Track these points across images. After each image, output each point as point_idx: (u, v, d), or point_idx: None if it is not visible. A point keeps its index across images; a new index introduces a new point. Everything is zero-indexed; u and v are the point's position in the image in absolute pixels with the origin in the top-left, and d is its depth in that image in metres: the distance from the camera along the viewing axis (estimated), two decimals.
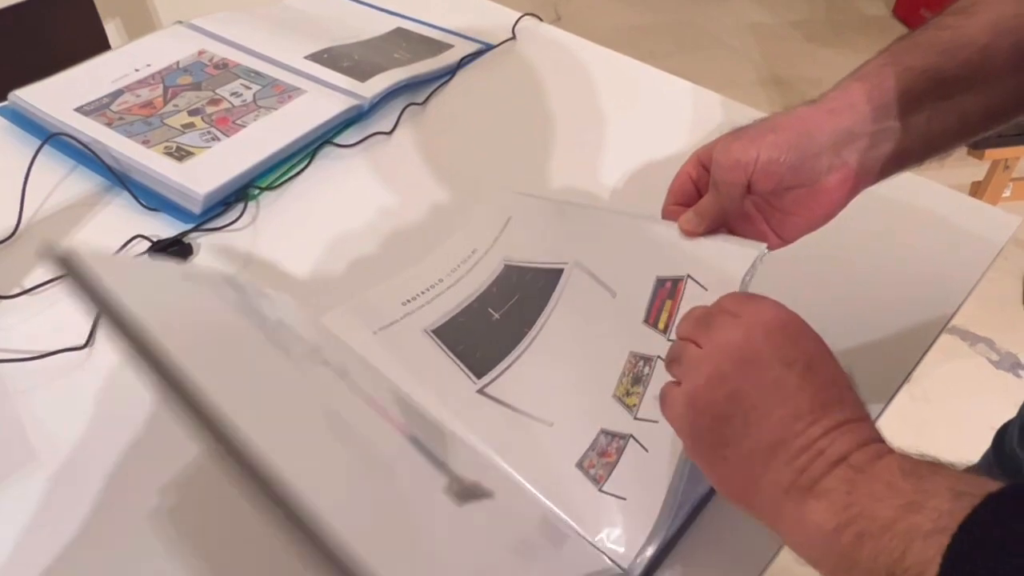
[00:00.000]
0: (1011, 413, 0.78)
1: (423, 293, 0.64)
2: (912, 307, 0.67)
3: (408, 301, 0.63)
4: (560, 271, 0.61)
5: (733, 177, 0.49)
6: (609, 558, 0.49)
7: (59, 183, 0.75)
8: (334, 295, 0.64)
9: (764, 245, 0.50)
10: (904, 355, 0.63)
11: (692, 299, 0.51)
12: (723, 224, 0.52)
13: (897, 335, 0.64)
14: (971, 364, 1.67)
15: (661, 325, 0.52)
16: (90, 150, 0.74)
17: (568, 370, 0.57)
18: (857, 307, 0.65)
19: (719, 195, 0.50)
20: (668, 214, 0.54)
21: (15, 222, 0.70)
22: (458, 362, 0.59)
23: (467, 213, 0.71)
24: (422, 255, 0.67)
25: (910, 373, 0.62)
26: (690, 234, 0.52)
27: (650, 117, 0.87)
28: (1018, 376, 1.65)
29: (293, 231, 0.72)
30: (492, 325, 0.61)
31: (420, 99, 0.87)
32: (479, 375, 0.58)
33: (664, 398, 0.44)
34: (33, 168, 0.73)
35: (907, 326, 0.65)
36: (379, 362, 0.58)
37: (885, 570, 0.33)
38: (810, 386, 0.38)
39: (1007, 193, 1.80)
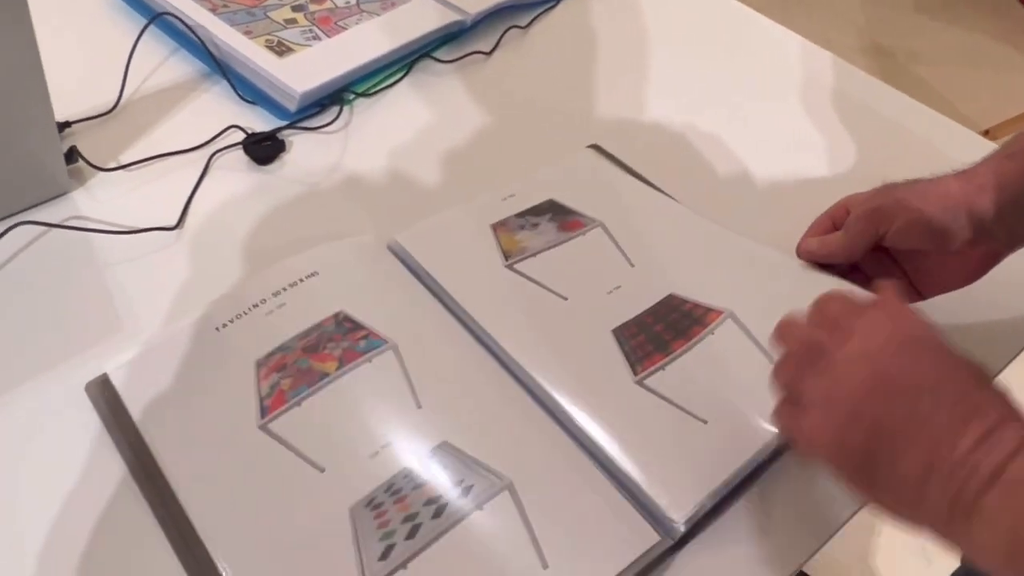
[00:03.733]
0: None
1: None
2: (1002, 312, 0.63)
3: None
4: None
5: (865, 227, 0.54)
6: (645, 505, 0.47)
7: (160, 64, 0.75)
8: (412, 212, 0.63)
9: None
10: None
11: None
12: (850, 263, 0.57)
13: (983, 341, 0.60)
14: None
15: None
16: (194, 34, 0.74)
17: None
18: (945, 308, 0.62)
19: (847, 236, 0.56)
20: (803, 244, 0.60)
21: (116, 97, 0.71)
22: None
23: (565, 162, 0.70)
24: (506, 182, 0.66)
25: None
26: (804, 254, 0.59)
27: (760, 69, 0.84)
28: None
29: (384, 141, 0.71)
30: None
31: (523, 22, 0.85)
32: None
33: (797, 433, 0.43)
34: (137, 46, 0.73)
35: (994, 332, 0.61)
36: (451, 286, 0.57)
37: None
38: (946, 401, 0.38)
39: None
